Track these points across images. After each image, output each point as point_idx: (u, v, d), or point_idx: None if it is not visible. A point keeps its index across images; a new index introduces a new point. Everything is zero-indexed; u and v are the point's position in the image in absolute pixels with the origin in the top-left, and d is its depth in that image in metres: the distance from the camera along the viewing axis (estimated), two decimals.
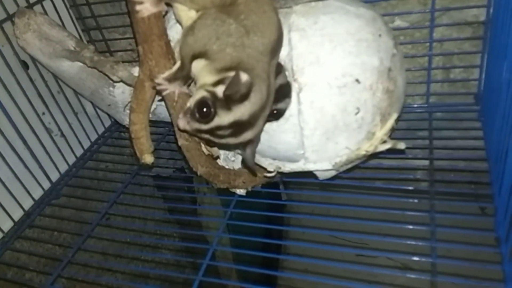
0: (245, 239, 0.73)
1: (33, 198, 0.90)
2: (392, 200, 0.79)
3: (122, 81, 0.68)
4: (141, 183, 1.16)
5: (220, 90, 0.49)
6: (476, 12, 0.83)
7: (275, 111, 0.63)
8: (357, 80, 0.60)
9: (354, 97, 0.61)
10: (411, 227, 0.65)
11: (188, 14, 0.54)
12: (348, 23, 0.62)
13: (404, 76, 0.68)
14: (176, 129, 0.59)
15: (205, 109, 0.50)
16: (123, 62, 0.70)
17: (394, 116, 0.60)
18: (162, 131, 1.05)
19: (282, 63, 0.63)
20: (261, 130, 0.54)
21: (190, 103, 0.51)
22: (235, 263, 1.60)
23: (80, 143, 1.04)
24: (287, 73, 0.63)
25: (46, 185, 0.94)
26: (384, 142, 0.62)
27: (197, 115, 0.50)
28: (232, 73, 0.49)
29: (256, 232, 0.84)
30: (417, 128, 0.91)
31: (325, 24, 0.61)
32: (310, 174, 0.80)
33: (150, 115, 0.82)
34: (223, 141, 0.52)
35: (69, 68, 0.84)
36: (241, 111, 0.50)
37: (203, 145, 0.59)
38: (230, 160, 0.76)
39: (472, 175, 0.81)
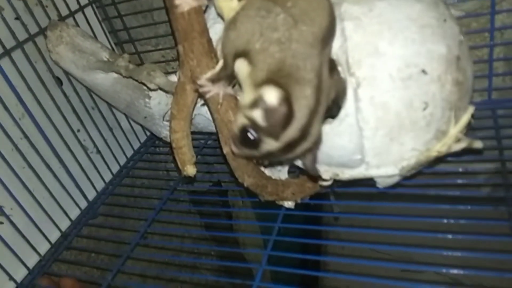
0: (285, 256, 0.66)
1: (70, 219, 0.87)
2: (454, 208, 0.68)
3: (160, 88, 0.63)
4: (178, 199, 1.11)
5: (258, 116, 0.43)
6: None
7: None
8: (423, 71, 0.53)
9: (421, 90, 0.53)
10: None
11: (230, 5, 0.48)
12: (408, 8, 0.55)
13: (472, 66, 0.60)
14: (220, 135, 0.53)
15: (249, 138, 0.44)
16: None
17: (470, 110, 0.52)
18: (198, 144, 1.00)
19: (335, 56, 0.56)
20: (319, 133, 0.47)
21: (233, 128, 0.45)
22: (273, 281, 1.52)
23: (116, 159, 1.01)
24: (340, 68, 0.56)
25: (83, 204, 0.91)
26: (458, 141, 0.53)
27: (242, 143, 0.45)
28: (266, 90, 0.43)
29: (295, 248, 0.77)
30: (482, 127, 0.81)
31: (382, 11, 0.54)
32: (364, 182, 0.74)
33: None
34: (281, 159, 0.46)
35: (104, 80, 0.80)
36: (288, 134, 0.43)
37: None
38: (277, 170, 0.70)
39: None
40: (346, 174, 0.57)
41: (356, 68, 0.53)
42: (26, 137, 0.78)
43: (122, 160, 1.03)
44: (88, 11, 0.94)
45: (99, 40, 0.91)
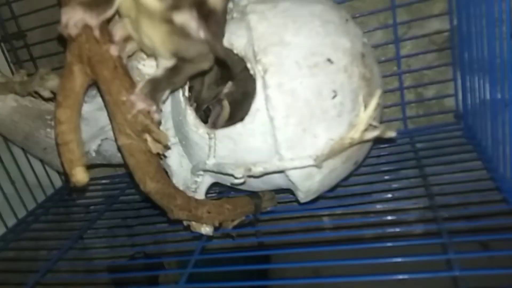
0: None
1: None
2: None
3: (54, 95, 0.57)
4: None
5: None
6: (439, 26, 0.81)
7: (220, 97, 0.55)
8: (329, 60, 0.52)
9: (329, 78, 0.52)
10: None
11: None
12: (311, 6, 0.56)
13: (378, 70, 0.61)
14: (114, 123, 0.47)
15: None
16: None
17: (378, 92, 0.51)
18: (113, 194, 0.91)
19: (243, 53, 0.55)
20: None
21: None
22: None
23: (14, 212, 0.88)
24: (249, 65, 0.54)
25: None
26: (371, 128, 0.51)
27: None
28: None
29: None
30: (403, 159, 0.77)
31: (286, 8, 0.55)
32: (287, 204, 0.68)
33: (93, 154, 0.70)
34: None
35: (0, 109, 0.72)
36: None
37: (149, 139, 0.46)
38: (191, 189, 0.63)
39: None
40: (259, 167, 0.52)
41: (263, 55, 0.51)
42: None
43: (22, 214, 0.90)
44: None
45: None
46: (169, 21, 0.46)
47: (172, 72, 0.50)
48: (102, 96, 0.47)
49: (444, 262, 0.53)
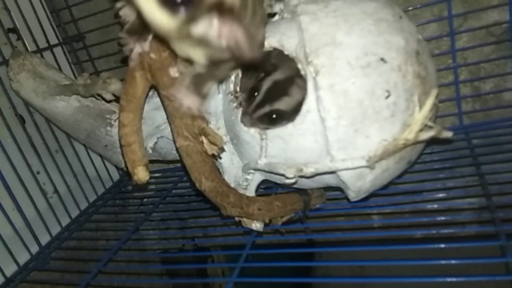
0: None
1: (17, 263, 0.78)
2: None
3: (116, 97, 0.60)
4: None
5: None
6: (498, 17, 0.77)
7: (273, 115, 0.55)
8: (382, 59, 0.52)
9: (382, 78, 0.51)
10: None
11: None
12: (363, 5, 0.55)
13: (434, 67, 0.59)
14: (173, 126, 0.49)
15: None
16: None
17: (434, 92, 0.50)
18: (166, 187, 0.95)
19: (294, 54, 0.55)
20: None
21: None
22: None
23: (77, 204, 0.94)
24: (299, 65, 0.55)
25: (35, 249, 0.82)
26: (426, 128, 0.50)
27: None
28: None
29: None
30: (458, 157, 0.75)
31: (338, 7, 0.55)
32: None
33: (150, 151, 0.73)
34: None
35: (64, 109, 0.77)
36: None
37: (205, 142, 0.48)
38: (241, 186, 0.64)
39: None
40: (311, 168, 0.53)
41: (314, 56, 0.52)
42: None
43: (84, 206, 0.96)
44: (58, 50, 0.95)
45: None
46: (188, 36, 0.42)
47: (210, 68, 0.50)
48: (161, 101, 0.50)
49: (502, 265, 0.51)
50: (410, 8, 0.79)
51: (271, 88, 0.56)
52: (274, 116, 0.55)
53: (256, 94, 0.56)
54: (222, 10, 0.39)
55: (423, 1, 0.79)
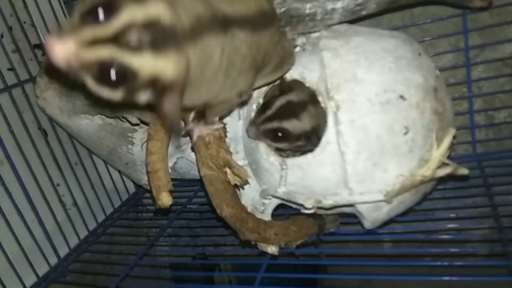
0: None
1: (37, 275, 0.80)
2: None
3: (141, 121, 0.63)
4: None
5: None
6: None
7: (279, 133, 0.56)
8: (401, 97, 0.54)
9: (401, 115, 0.53)
10: None
11: None
12: (383, 42, 0.57)
13: (451, 103, 0.61)
14: (198, 156, 0.52)
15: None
16: None
17: (452, 132, 0.51)
18: (181, 202, 0.97)
19: (314, 86, 0.57)
20: None
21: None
22: None
23: (94, 216, 0.96)
24: (320, 98, 0.57)
25: (53, 260, 0.84)
26: (443, 165, 0.52)
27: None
28: None
29: None
30: (471, 186, 0.75)
31: (359, 43, 0.57)
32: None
33: (169, 170, 0.75)
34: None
35: (88, 126, 0.80)
36: None
37: (228, 172, 0.50)
38: (259, 210, 0.66)
39: None
40: (329, 200, 0.54)
41: (335, 92, 0.54)
42: (3, 184, 0.75)
43: (101, 218, 0.98)
44: None
45: None
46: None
47: (209, 108, 0.53)
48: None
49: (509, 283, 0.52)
50: (428, 38, 0.81)
51: (284, 106, 0.57)
52: (279, 134, 0.57)
53: (267, 108, 0.58)
54: (158, 86, 0.38)
55: (440, 32, 0.81)
